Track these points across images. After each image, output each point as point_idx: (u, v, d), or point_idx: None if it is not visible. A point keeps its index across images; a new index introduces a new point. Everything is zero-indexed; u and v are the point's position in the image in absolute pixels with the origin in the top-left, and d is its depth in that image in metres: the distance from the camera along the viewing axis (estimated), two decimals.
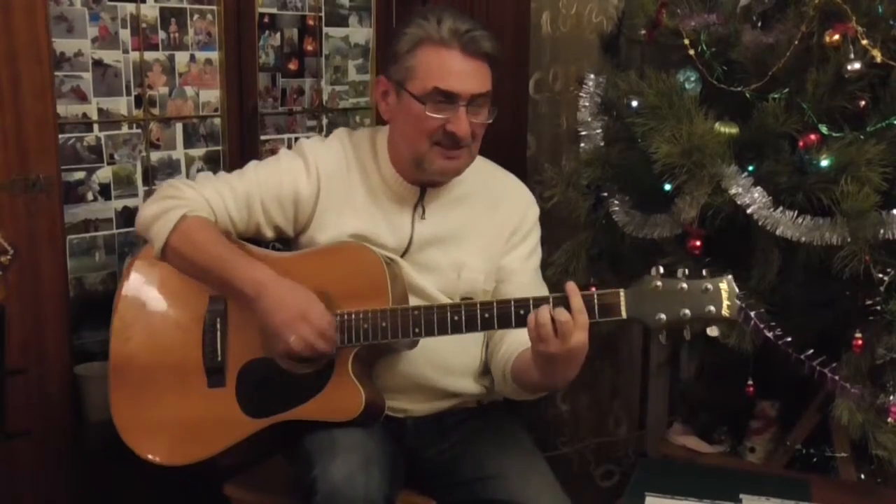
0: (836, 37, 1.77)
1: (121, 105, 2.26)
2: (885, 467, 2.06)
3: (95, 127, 2.22)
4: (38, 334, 2.04)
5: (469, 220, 1.86)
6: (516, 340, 1.74)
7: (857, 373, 1.83)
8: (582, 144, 2.18)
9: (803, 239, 1.78)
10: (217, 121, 2.45)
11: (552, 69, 2.80)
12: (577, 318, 1.54)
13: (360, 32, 2.73)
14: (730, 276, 1.56)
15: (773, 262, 1.86)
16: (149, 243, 1.82)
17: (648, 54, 2.17)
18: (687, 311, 1.55)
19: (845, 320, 1.87)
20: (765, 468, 2.23)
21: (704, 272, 1.57)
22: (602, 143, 2.15)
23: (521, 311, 1.59)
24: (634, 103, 2.00)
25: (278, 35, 2.53)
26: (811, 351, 1.81)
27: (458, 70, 1.71)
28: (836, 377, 1.82)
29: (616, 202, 2.08)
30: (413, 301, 1.78)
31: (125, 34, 2.24)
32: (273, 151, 2.49)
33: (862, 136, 1.79)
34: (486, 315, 1.63)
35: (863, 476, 2.15)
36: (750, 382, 2.04)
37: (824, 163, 1.78)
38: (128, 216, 2.28)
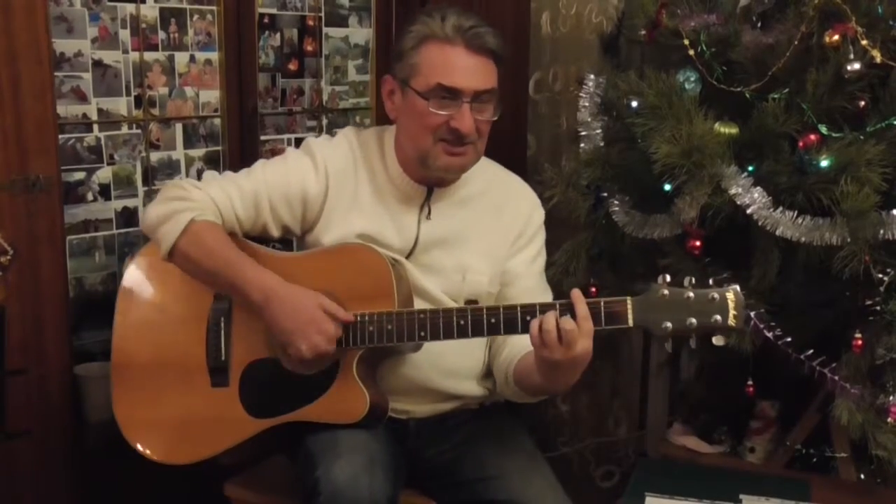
0: (836, 37, 1.77)
1: (121, 105, 2.26)
2: (884, 467, 2.06)
3: (95, 127, 2.22)
4: (38, 334, 2.04)
5: (474, 222, 1.86)
6: (519, 343, 1.74)
7: (856, 373, 1.83)
8: (582, 144, 2.18)
9: (803, 239, 1.78)
10: (217, 121, 2.45)
11: (552, 69, 2.80)
12: (582, 326, 1.54)
13: (360, 33, 2.73)
14: (737, 287, 1.57)
15: (772, 263, 1.86)
16: (153, 243, 1.82)
17: (648, 54, 2.17)
18: (693, 321, 1.55)
19: (845, 320, 1.87)
20: (765, 468, 2.23)
21: (711, 281, 1.58)
22: (602, 144, 2.15)
23: (528, 317, 1.59)
24: (634, 103, 2.00)
25: (278, 35, 2.53)
26: (811, 351, 1.81)
27: (461, 66, 1.72)
28: (836, 377, 1.82)
29: (616, 202, 2.08)
30: (417, 303, 1.78)
31: (125, 34, 2.24)
32: (273, 152, 2.49)
33: (862, 137, 1.79)
34: (493, 320, 1.63)
35: (863, 476, 2.15)
36: (750, 382, 2.03)
37: (824, 163, 1.78)
38: (128, 216, 2.29)
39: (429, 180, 1.82)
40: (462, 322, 1.65)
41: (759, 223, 1.81)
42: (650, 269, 2.05)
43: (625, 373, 2.82)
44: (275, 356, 1.77)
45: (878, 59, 1.75)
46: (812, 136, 1.81)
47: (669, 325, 1.56)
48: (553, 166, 2.44)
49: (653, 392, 2.46)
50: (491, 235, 1.87)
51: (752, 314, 1.81)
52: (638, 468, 2.18)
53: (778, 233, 1.79)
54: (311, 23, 2.61)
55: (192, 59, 2.38)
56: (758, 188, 1.82)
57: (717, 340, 1.58)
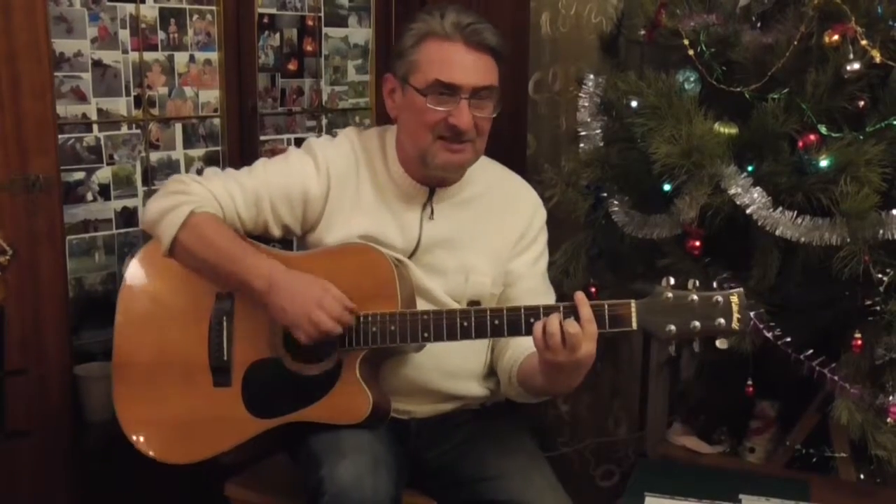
0: (836, 37, 1.77)
1: (120, 105, 2.26)
2: (884, 467, 2.06)
3: (95, 127, 2.22)
4: (38, 334, 2.04)
5: (477, 222, 1.86)
6: (523, 344, 1.74)
7: (856, 373, 1.83)
8: (581, 145, 2.18)
9: (803, 239, 1.78)
10: (216, 121, 2.45)
11: (552, 69, 2.80)
12: (586, 329, 1.54)
13: (360, 33, 2.73)
14: (741, 289, 1.57)
15: (772, 263, 1.86)
16: (154, 239, 1.82)
17: (648, 54, 2.18)
18: (697, 324, 1.55)
19: (845, 320, 1.87)
20: (764, 468, 2.23)
21: (715, 284, 1.58)
22: (602, 144, 2.15)
23: (532, 320, 1.59)
24: (634, 103, 2.00)
25: (278, 35, 2.53)
26: (811, 351, 1.81)
27: (459, 62, 1.72)
28: (836, 377, 1.82)
29: (616, 202, 2.09)
30: (420, 304, 1.78)
31: (125, 34, 2.24)
32: (272, 152, 2.49)
33: (861, 137, 1.79)
34: (496, 322, 1.63)
35: (862, 476, 2.15)
36: (750, 382, 2.04)
37: (824, 163, 1.78)
38: (127, 216, 2.29)
39: (430, 180, 1.82)
40: (465, 323, 1.65)
41: (759, 223, 1.81)
42: (650, 269, 2.05)
43: (625, 373, 2.82)
44: (277, 356, 1.77)
45: (878, 60, 1.75)
46: (812, 137, 1.81)
47: (673, 328, 1.56)
48: (553, 166, 2.45)
49: (653, 392, 2.46)
50: (494, 236, 1.87)
51: (752, 314, 1.80)
52: (638, 468, 2.18)
53: (778, 233, 1.80)
54: (310, 23, 2.61)
55: (192, 59, 2.38)
56: (757, 188, 1.82)
57: (721, 343, 1.58)
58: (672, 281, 1.58)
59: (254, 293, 1.73)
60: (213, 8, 2.39)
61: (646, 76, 2.00)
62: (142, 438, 1.82)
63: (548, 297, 1.88)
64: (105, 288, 2.25)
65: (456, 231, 1.84)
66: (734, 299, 1.55)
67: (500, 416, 1.93)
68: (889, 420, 1.81)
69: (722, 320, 1.55)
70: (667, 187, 1.91)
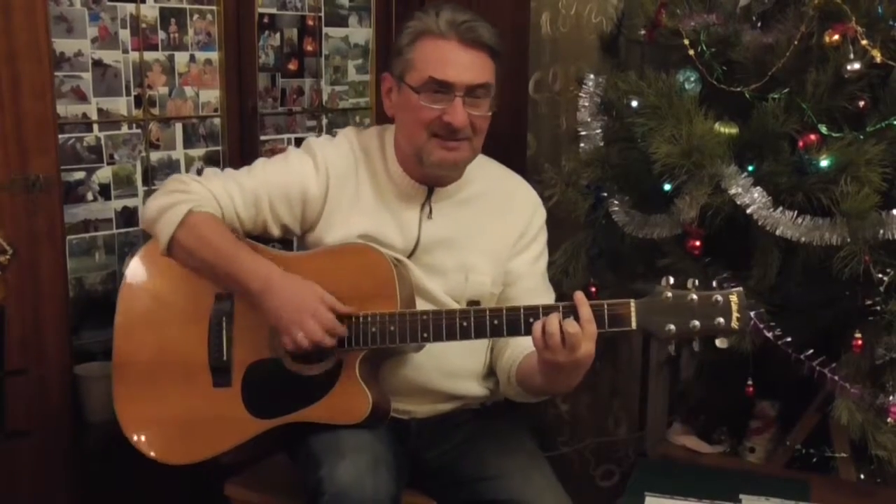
0: (836, 37, 1.77)
1: (120, 105, 2.26)
2: (884, 467, 2.06)
3: (95, 127, 2.22)
4: (38, 334, 2.04)
5: (476, 222, 1.86)
6: (522, 344, 1.74)
7: (856, 373, 1.83)
8: (582, 144, 2.18)
9: (803, 239, 1.78)
10: (217, 121, 2.45)
11: (552, 69, 2.80)
12: (586, 329, 1.54)
13: (360, 32, 2.73)
14: (740, 289, 1.57)
15: (772, 263, 1.86)
16: (153, 239, 1.81)
17: (648, 54, 2.18)
18: (696, 323, 1.55)
19: (845, 320, 1.87)
20: (765, 468, 2.23)
21: (714, 283, 1.58)
22: (602, 143, 2.15)
23: (531, 319, 1.59)
24: (634, 103, 2.00)
25: (278, 35, 2.54)
26: (811, 351, 1.81)
27: (453, 60, 1.71)
28: (836, 377, 1.82)
29: (616, 202, 2.08)
30: (420, 304, 1.78)
31: (125, 34, 2.24)
32: (273, 151, 2.49)
33: (862, 137, 1.79)
34: (496, 322, 1.63)
35: (863, 476, 2.15)
36: (750, 382, 2.03)
37: (824, 163, 1.78)
38: (127, 216, 2.29)
39: (429, 179, 1.82)
40: (465, 323, 1.65)
41: (759, 223, 1.81)
42: (650, 268, 2.05)
43: (625, 373, 2.82)
44: (277, 356, 1.77)
45: (878, 59, 1.75)
46: (812, 136, 1.81)
47: (673, 327, 1.56)
48: (553, 166, 2.45)
49: (653, 392, 2.46)
50: (493, 236, 1.86)
51: (752, 314, 1.80)
52: (638, 468, 2.18)
53: (778, 233, 1.80)
54: (310, 23, 2.61)
55: (192, 58, 2.38)
56: (758, 188, 1.82)
57: (721, 343, 1.58)
58: (671, 280, 1.58)
59: (249, 294, 1.73)
60: (214, 8, 2.39)
61: (646, 76, 2.00)
62: (142, 439, 1.82)
63: (548, 296, 1.88)
64: (105, 288, 2.25)
65: (455, 230, 1.84)
66: (733, 299, 1.55)
67: (500, 416, 1.93)
68: (889, 420, 1.81)
69: (721, 320, 1.55)
70: (667, 187, 1.91)
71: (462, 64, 1.72)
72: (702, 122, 1.85)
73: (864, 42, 1.74)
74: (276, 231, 1.85)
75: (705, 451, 2.32)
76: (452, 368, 1.83)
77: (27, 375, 1.97)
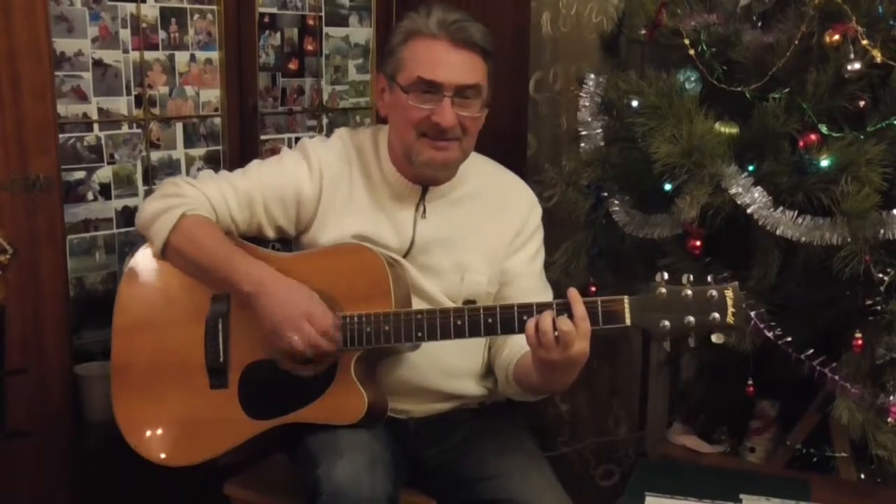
0: (837, 37, 1.77)
1: (121, 105, 2.26)
2: (885, 467, 2.06)
3: (95, 126, 2.22)
4: (38, 334, 2.04)
5: (471, 221, 1.86)
6: (519, 342, 1.74)
7: (857, 373, 1.83)
8: (582, 144, 2.18)
9: (803, 239, 1.78)
10: (217, 120, 2.45)
11: (552, 69, 2.80)
12: (580, 326, 1.54)
13: (360, 32, 2.73)
14: (735, 283, 1.56)
15: (773, 262, 1.86)
16: (149, 242, 1.82)
17: (649, 54, 2.17)
18: (691, 319, 1.55)
19: (845, 320, 1.87)
20: (765, 468, 2.23)
21: (710, 279, 1.57)
22: (602, 143, 2.15)
23: (525, 317, 1.59)
24: (634, 103, 2.00)
25: (278, 35, 2.53)
26: (811, 351, 1.81)
27: (442, 60, 1.71)
28: (836, 377, 1.82)
29: (616, 202, 2.08)
30: (416, 303, 1.78)
31: (125, 34, 2.24)
32: (274, 151, 2.49)
33: (862, 136, 1.79)
34: (490, 320, 1.63)
35: (863, 476, 2.15)
36: (750, 382, 2.03)
37: (824, 163, 1.78)
38: (128, 216, 2.29)
39: (422, 179, 1.81)
40: (459, 322, 1.65)
41: (760, 223, 1.81)
42: (650, 268, 2.04)
43: (625, 372, 2.82)
44: (273, 357, 1.77)
45: (879, 59, 1.75)
46: (812, 136, 1.81)
47: (667, 324, 1.55)
48: (553, 166, 2.44)
49: (653, 392, 2.46)
50: (489, 235, 1.86)
51: (753, 314, 1.80)
52: (638, 468, 2.18)
53: (778, 233, 1.79)
54: (311, 22, 2.61)
55: (193, 58, 2.38)
56: (758, 188, 1.82)
57: (717, 338, 1.57)
58: (666, 276, 1.57)
59: (243, 297, 1.73)
60: (214, 7, 2.39)
61: (646, 76, 1.99)
62: (140, 442, 1.82)
63: (544, 295, 1.87)
64: (105, 287, 2.25)
65: (450, 230, 1.84)
66: (729, 294, 1.55)
67: (499, 416, 1.93)
68: (889, 420, 1.81)
69: (716, 315, 1.54)
70: (667, 187, 1.90)
71: (451, 64, 1.71)
72: (702, 122, 1.85)
73: (864, 42, 1.74)
74: (270, 232, 1.85)
75: (705, 450, 2.32)
76: (450, 367, 1.83)
77: (27, 375, 1.97)
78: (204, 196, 1.79)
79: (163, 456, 1.81)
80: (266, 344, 1.76)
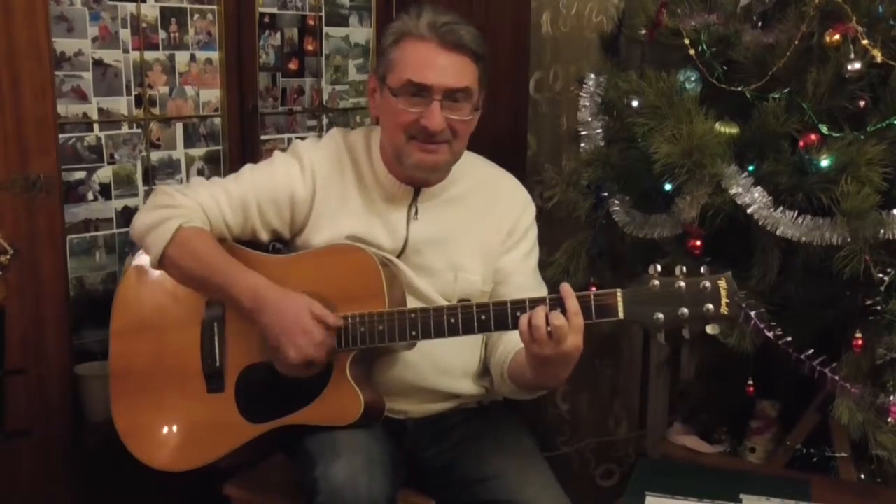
0: (837, 37, 1.77)
1: (121, 105, 2.26)
2: (885, 467, 2.06)
3: (96, 126, 2.22)
4: (38, 334, 2.04)
5: (464, 221, 1.85)
6: (514, 340, 1.73)
7: (857, 373, 1.83)
8: (582, 144, 2.18)
9: (803, 239, 1.78)
10: (217, 120, 2.45)
11: (552, 69, 2.80)
12: (573, 321, 1.53)
13: (361, 32, 2.73)
14: (728, 274, 1.55)
15: (773, 262, 1.86)
16: (144, 252, 1.81)
17: (649, 54, 2.17)
18: (685, 311, 1.54)
19: (845, 320, 1.87)
20: (765, 468, 2.22)
21: (703, 269, 1.56)
22: (602, 143, 2.15)
23: (518, 313, 1.58)
24: (635, 103, 2.00)
25: (278, 35, 2.53)
26: (811, 351, 1.80)
27: (432, 63, 1.70)
28: (836, 377, 1.82)
29: (616, 202, 2.08)
30: (411, 303, 1.77)
31: (125, 34, 2.24)
32: (273, 151, 2.49)
33: (862, 136, 1.79)
34: (483, 317, 1.63)
35: (863, 476, 2.15)
36: (750, 382, 2.03)
37: (824, 163, 1.78)
38: (128, 216, 2.28)
39: (414, 180, 1.81)
40: (453, 320, 1.64)
41: (760, 223, 1.81)
42: (648, 268, 2.05)
43: (625, 372, 2.82)
44: (269, 360, 1.77)
45: (879, 59, 1.75)
46: (812, 136, 1.81)
47: (661, 316, 1.54)
48: (553, 166, 2.45)
49: (653, 392, 2.47)
50: (482, 234, 1.86)
51: (753, 314, 1.80)
52: (638, 468, 2.18)
53: (778, 232, 1.79)
54: (311, 22, 2.61)
55: (193, 58, 2.38)
56: (758, 188, 1.82)
57: (712, 329, 1.56)
58: (659, 268, 1.56)
59: (242, 310, 1.73)
60: (214, 7, 2.39)
61: (647, 76, 1.99)
62: (139, 447, 1.83)
63: (539, 293, 1.86)
64: (105, 287, 2.25)
65: (443, 230, 1.83)
66: (722, 284, 1.54)
67: (498, 416, 1.92)
68: (890, 420, 1.81)
69: (710, 306, 1.53)
70: (667, 187, 1.90)
71: (440, 67, 1.70)
72: (702, 122, 1.85)
73: (864, 42, 1.74)
74: (265, 236, 1.85)
75: (706, 450, 2.32)
76: (446, 366, 1.83)
77: (27, 375, 1.97)
78: (197, 204, 1.78)
79: (162, 462, 1.82)
80: (261, 346, 1.76)
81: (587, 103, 2.18)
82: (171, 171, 2.37)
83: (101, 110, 2.22)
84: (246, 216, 1.82)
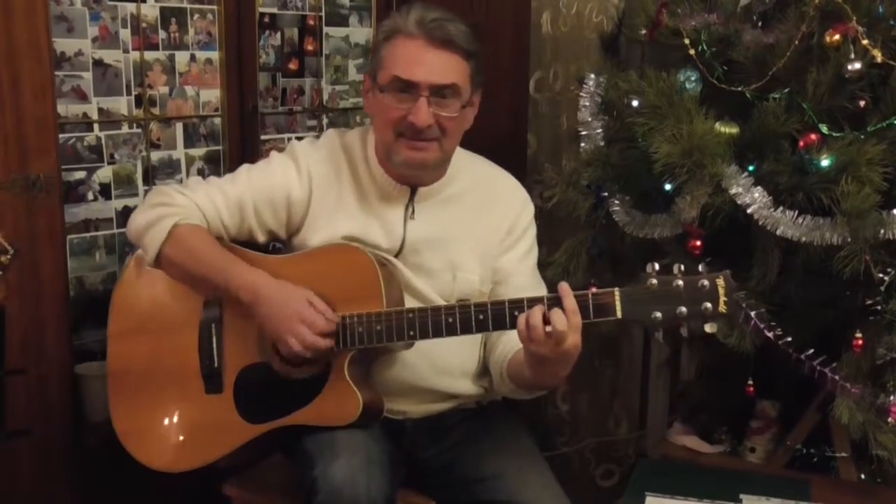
0: (837, 37, 1.77)
1: (121, 105, 2.26)
2: (885, 467, 2.06)
3: (96, 126, 2.22)
4: (38, 334, 2.04)
5: (462, 220, 1.85)
6: (513, 339, 1.72)
7: (857, 373, 1.83)
8: (582, 144, 2.18)
9: (804, 239, 1.78)
10: (217, 120, 2.45)
11: (552, 69, 2.80)
12: (571, 320, 1.53)
13: (361, 32, 2.73)
14: (727, 272, 1.54)
15: (773, 262, 1.86)
16: (142, 251, 1.82)
17: (649, 54, 2.17)
18: (683, 309, 1.53)
19: (845, 320, 1.87)
20: (765, 468, 2.22)
21: (701, 268, 1.56)
22: (602, 143, 2.15)
23: (516, 312, 1.58)
24: (635, 103, 2.00)
25: (278, 35, 2.53)
26: (811, 351, 1.81)
27: (419, 59, 1.70)
28: (836, 377, 1.82)
29: (616, 202, 2.08)
30: (410, 303, 1.77)
31: (125, 34, 2.24)
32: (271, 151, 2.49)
33: (862, 136, 1.79)
34: (481, 316, 1.62)
35: (863, 476, 2.15)
36: (750, 382, 2.03)
37: (824, 163, 1.78)
38: (128, 216, 2.25)
39: (409, 179, 1.81)
40: (451, 320, 1.64)
41: (760, 223, 1.81)
42: (647, 264, 2.05)
43: (625, 373, 2.82)
44: (267, 360, 1.77)
45: (879, 59, 1.75)
46: (813, 136, 1.81)
47: (659, 315, 1.54)
48: (553, 166, 2.45)
49: (653, 392, 2.47)
50: (480, 233, 1.86)
51: (753, 314, 1.80)
52: (638, 468, 2.18)
53: (778, 232, 1.79)
54: (311, 22, 2.61)
55: (193, 58, 2.38)
56: (758, 188, 1.82)
57: (710, 328, 1.55)
58: (657, 267, 1.55)
59: (241, 305, 1.73)
60: (214, 7, 2.39)
61: (647, 75, 1.99)
62: (138, 448, 1.83)
63: (538, 292, 1.85)
64: (105, 287, 2.25)
65: (441, 230, 1.83)
66: (720, 282, 1.53)
67: (497, 416, 1.92)
68: (890, 420, 1.81)
69: (709, 305, 1.53)
70: (668, 187, 1.90)
71: (428, 63, 1.70)
72: (702, 122, 1.85)
73: (864, 42, 1.74)
74: (261, 237, 1.85)
75: (706, 450, 2.32)
76: (445, 366, 1.83)
77: (27, 375, 1.97)
78: (194, 204, 1.79)
79: (161, 463, 1.82)
80: (259, 346, 1.76)
81: (587, 103, 2.18)
82: (171, 171, 2.37)
83: (101, 110, 2.22)
84: (242, 217, 1.82)
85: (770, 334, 1.81)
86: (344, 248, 1.77)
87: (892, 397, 1.80)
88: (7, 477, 2.03)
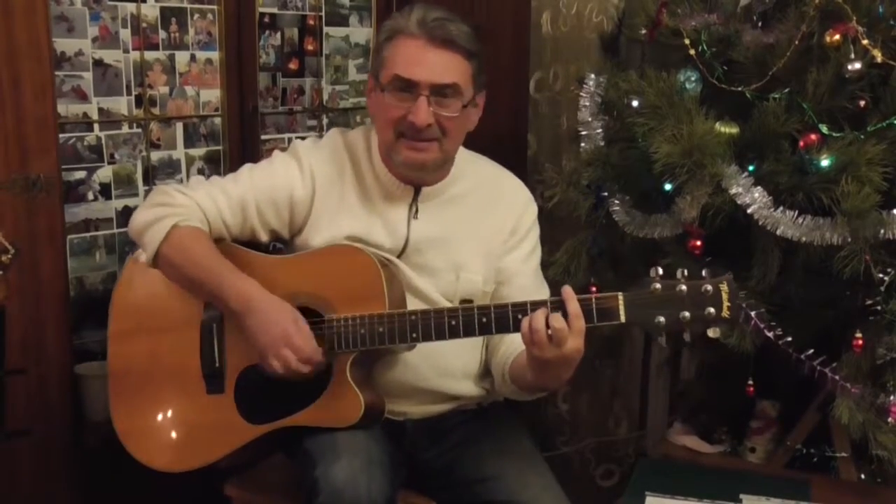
0: (837, 37, 1.77)
1: (121, 105, 2.26)
2: (885, 467, 2.06)
3: (96, 126, 2.22)
4: (38, 334, 2.04)
5: (465, 220, 1.85)
6: (515, 341, 1.72)
7: (857, 373, 1.83)
8: (582, 144, 2.18)
9: (804, 239, 1.78)
10: (217, 120, 2.45)
11: (552, 69, 2.80)
12: (573, 324, 1.53)
13: (361, 32, 2.73)
14: (730, 276, 1.55)
15: (773, 262, 1.86)
16: (142, 250, 1.82)
17: (649, 54, 2.17)
18: (686, 314, 1.53)
19: (845, 320, 1.87)
20: (765, 468, 2.22)
21: (704, 272, 1.56)
22: (602, 143, 2.15)
23: (519, 316, 1.58)
24: (635, 103, 2.00)
25: (279, 35, 2.54)
26: (811, 351, 1.81)
27: (419, 59, 1.70)
28: (837, 377, 1.82)
29: (616, 202, 2.08)
30: (412, 303, 1.77)
31: (125, 34, 2.24)
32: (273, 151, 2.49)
33: (862, 136, 1.79)
34: (484, 319, 1.62)
35: (863, 476, 2.15)
36: (750, 382, 2.03)
37: (825, 163, 1.78)
38: (128, 216, 2.26)
39: (412, 179, 1.81)
40: (454, 322, 1.64)
41: (760, 223, 1.81)
42: (649, 270, 2.05)
43: (625, 373, 2.82)
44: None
45: (879, 59, 1.75)
46: (813, 136, 1.81)
47: (662, 319, 1.54)
48: (554, 166, 2.45)
49: (653, 392, 2.47)
50: (483, 233, 1.85)
51: (753, 314, 1.80)
52: (638, 468, 2.18)
53: (778, 232, 1.79)
54: (311, 22, 2.61)
55: (193, 58, 2.38)
56: (758, 188, 1.82)
57: (713, 333, 1.56)
58: (660, 271, 1.55)
59: (231, 313, 1.73)
60: (214, 7, 2.39)
61: (647, 75, 1.99)
62: (139, 448, 1.82)
63: (541, 293, 1.86)
64: (105, 287, 2.25)
65: (444, 230, 1.83)
66: (723, 287, 1.53)
67: (498, 417, 1.92)
68: (890, 420, 1.81)
69: (712, 309, 1.53)
70: (668, 187, 1.90)
71: (428, 63, 1.70)
72: (702, 122, 1.85)
73: (864, 42, 1.74)
74: (264, 236, 1.84)
75: (706, 450, 2.32)
76: (447, 367, 1.83)
77: (27, 375, 1.97)
78: (195, 204, 1.78)
79: (162, 463, 1.81)
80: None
81: (587, 103, 2.18)
82: (171, 171, 2.37)
83: (101, 110, 2.22)
84: (245, 216, 1.81)
85: (770, 334, 1.81)
86: (346, 249, 1.76)
87: (892, 397, 1.80)
88: (7, 477, 2.03)
